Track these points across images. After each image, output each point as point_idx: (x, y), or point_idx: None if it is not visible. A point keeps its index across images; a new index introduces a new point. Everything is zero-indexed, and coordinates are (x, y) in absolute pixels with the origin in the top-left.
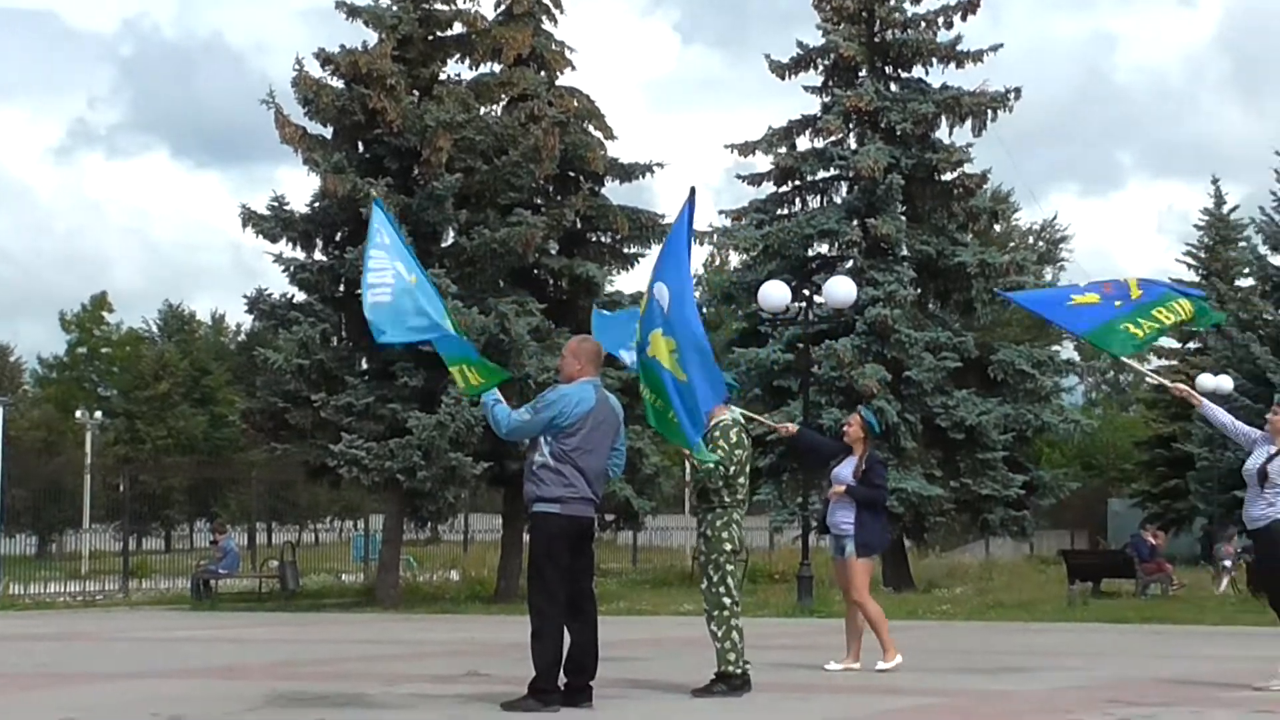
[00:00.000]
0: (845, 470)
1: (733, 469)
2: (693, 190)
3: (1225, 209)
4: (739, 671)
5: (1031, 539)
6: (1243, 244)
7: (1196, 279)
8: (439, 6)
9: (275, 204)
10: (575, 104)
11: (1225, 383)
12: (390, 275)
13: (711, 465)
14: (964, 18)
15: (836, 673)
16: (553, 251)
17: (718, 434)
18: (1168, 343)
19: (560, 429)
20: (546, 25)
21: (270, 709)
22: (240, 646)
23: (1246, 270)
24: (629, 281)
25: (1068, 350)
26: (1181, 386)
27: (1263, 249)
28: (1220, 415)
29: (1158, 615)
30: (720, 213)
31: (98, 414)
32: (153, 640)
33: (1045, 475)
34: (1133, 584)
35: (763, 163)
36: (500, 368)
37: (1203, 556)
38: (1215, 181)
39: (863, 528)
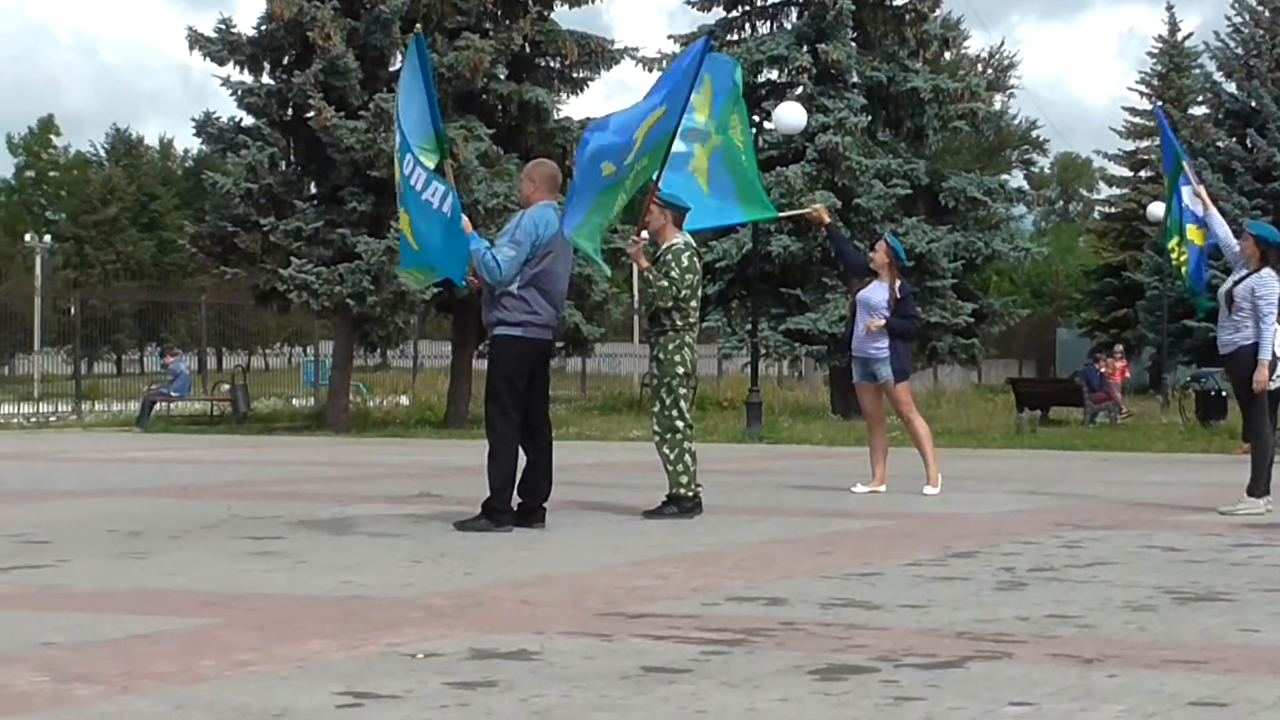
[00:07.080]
0: (877, 297)
1: (684, 292)
2: (709, 35)
3: (1180, 36)
4: (690, 494)
5: (980, 367)
6: (1196, 71)
7: (1149, 106)
8: None
9: (222, 26)
10: None
11: None
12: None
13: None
14: None
15: (862, 494)
16: (501, 76)
17: (669, 257)
18: (1120, 171)
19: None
20: None
21: (227, 526)
22: (195, 467)
23: (1201, 99)
24: (578, 107)
25: (1018, 179)
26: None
27: (1217, 76)
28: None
29: (1105, 443)
30: (669, 38)
31: (46, 238)
32: (108, 460)
33: (994, 303)
34: (1080, 412)
35: None
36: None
37: (1151, 385)
38: (1170, 8)
39: (896, 355)
